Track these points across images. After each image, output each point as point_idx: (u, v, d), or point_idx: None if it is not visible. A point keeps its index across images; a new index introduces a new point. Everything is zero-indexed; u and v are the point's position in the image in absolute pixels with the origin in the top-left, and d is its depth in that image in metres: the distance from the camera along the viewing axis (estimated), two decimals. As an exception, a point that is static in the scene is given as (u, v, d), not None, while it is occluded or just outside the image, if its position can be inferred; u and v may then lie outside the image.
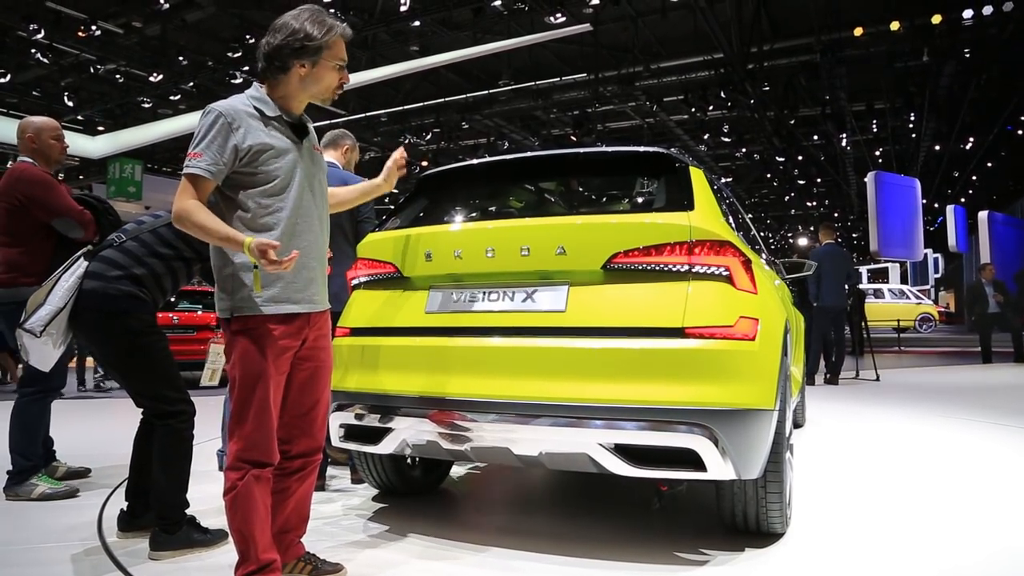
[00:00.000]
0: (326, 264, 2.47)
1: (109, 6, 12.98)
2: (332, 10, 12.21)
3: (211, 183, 2.23)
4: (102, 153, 19.19)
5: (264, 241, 2.08)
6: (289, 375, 2.39)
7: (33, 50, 13.54)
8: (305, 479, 2.47)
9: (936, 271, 35.40)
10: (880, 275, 34.61)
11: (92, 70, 14.98)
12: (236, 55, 13.83)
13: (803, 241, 33.62)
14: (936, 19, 12.40)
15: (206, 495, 3.38)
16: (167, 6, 12.39)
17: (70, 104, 16.36)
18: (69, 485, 3.86)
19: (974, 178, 25.73)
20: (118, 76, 15.57)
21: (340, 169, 4.08)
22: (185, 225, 2.20)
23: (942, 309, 32.53)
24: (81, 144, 18.63)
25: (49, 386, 3.89)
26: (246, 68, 14.77)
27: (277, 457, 2.32)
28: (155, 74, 14.82)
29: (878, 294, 25.69)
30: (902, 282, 32.51)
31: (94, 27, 12.83)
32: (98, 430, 6.25)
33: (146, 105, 17.01)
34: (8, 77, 14.52)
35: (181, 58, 14.69)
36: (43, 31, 12.61)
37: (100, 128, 19.62)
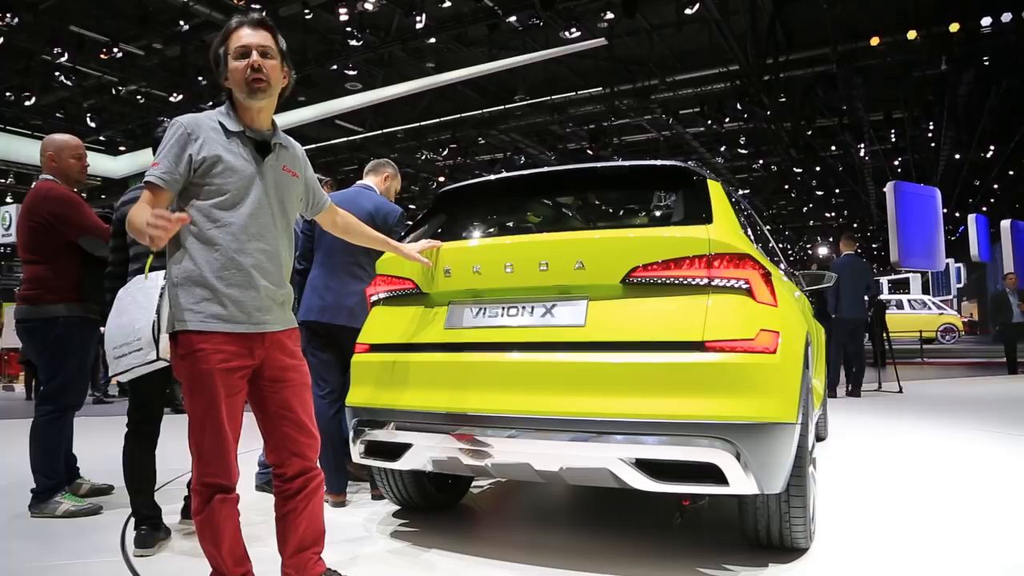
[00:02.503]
0: (286, 284, 2.41)
1: (130, 28, 13.19)
2: (348, 28, 12.35)
3: (166, 192, 2.22)
4: (124, 173, 19.44)
5: (155, 216, 1.96)
6: (262, 398, 2.37)
7: (57, 73, 13.77)
8: (311, 497, 2.42)
9: (958, 281, 34.98)
10: (901, 286, 34.25)
11: (114, 91, 15.22)
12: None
13: (823, 251, 33.33)
14: (954, 27, 12.30)
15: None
16: (187, 28, 12.57)
17: (92, 125, 16.59)
18: (93, 503, 3.89)
19: (995, 186, 25.44)
20: (139, 97, 15.80)
21: (376, 193, 4.20)
22: (128, 226, 2.20)
23: (966, 319, 32.10)
24: (103, 164, 18.92)
25: (65, 404, 3.90)
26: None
27: (236, 478, 2.30)
28: (175, 94, 15.03)
29: (899, 305, 25.40)
30: (924, 292, 32.14)
31: (116, 49, 13.04)
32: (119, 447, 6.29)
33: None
34: (33, 100, 14.77)
35: (200, 78, 14.87)
36: (67, 54, 12.83)
37: (122, 148, 19.92)
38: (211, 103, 15.60)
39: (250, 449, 4.67)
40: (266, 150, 2.36)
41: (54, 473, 3.83)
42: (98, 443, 6.17)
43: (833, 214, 31.10)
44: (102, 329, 3.28)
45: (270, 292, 2.32)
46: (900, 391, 9.95)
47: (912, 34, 12.49)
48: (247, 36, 2.29)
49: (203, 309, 2.21)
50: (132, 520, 3.26)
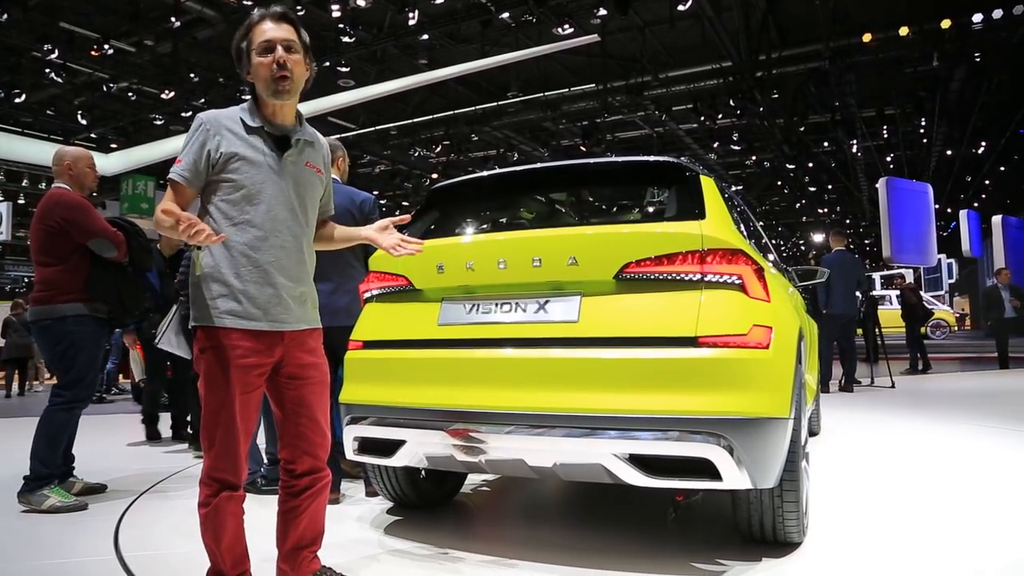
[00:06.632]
0: (307, 282, 2.41)
1: (121, 25, 13.13)
2: (340, 25, 12.31)
3: (188, 189, 2.25)
4: (115, 170, 19.34)
5: (187, 218, 2.04)
6: (279, 394, 2.36)
7: (47, 70, 13.69)
8: (316, 497, 2.42)
9: (950, 276, 35.10)
10: (893, 281, 34.35)
11: (105, 88, 15.13)
12: (246, 71, 13.95)
13: (819, 237, 33.27)
14: (946, 24, 12.33)
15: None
16: (178, 24, 12.52)
17: (83, 122, 16.53)
18: (79, 500, 3.94)
19: (987, 182, 25.57)
20: (130, 94, 15.72)
21: (341, 183, 4.06)
22: (156, 226, 2.25)
23: (957, 314, 32.24)
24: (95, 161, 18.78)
25: (77, 396, 4.03)
26: (256, 84, 14.89)
27: (244, 476, 2.29)
28: (167, 91, 14.96)
29: (889, 300, 25.49)
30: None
31: (107, 46, 12.97)
32: (115, 446, 6.27)
33: (158, 122, 17.17)
34: (24, 97, 14.69)
35: (192, 75, 14.83)
36: (57, 51, 12.75)
37: (113, 145, 19.82)
38: (203, 100, 15.57)
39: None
40: (286, 145, 2.34)
41: (51, 463, 3.92)
42: (96, 443, 6.16)
43: (826, 210, 31.19)
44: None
45: (288, 290, 2.31)
46: (892, 386, 9.99)
47: (904, 30, 12.53)
48: (270, 30, 2.27)
49: (219, 305, 2.22)
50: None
